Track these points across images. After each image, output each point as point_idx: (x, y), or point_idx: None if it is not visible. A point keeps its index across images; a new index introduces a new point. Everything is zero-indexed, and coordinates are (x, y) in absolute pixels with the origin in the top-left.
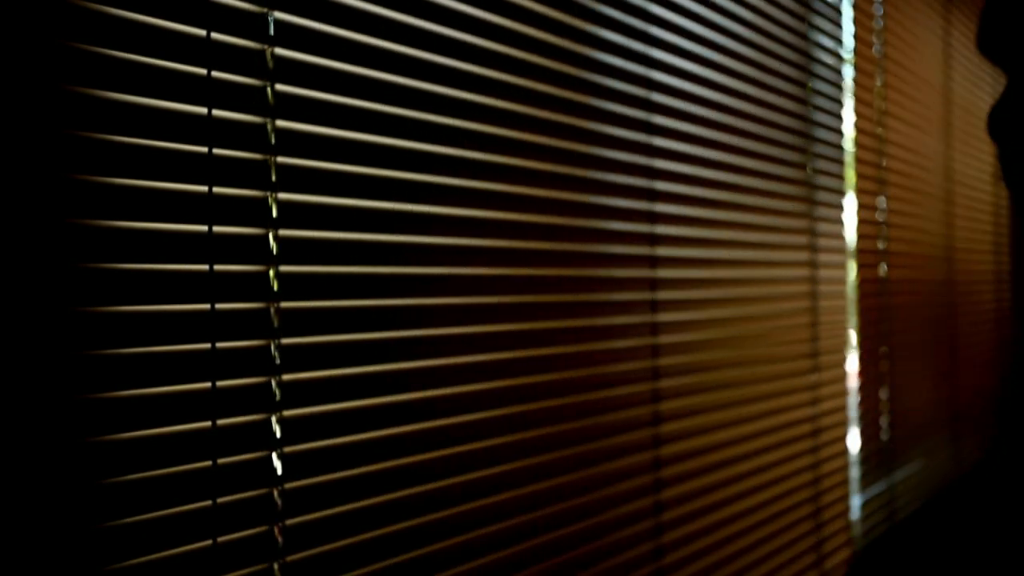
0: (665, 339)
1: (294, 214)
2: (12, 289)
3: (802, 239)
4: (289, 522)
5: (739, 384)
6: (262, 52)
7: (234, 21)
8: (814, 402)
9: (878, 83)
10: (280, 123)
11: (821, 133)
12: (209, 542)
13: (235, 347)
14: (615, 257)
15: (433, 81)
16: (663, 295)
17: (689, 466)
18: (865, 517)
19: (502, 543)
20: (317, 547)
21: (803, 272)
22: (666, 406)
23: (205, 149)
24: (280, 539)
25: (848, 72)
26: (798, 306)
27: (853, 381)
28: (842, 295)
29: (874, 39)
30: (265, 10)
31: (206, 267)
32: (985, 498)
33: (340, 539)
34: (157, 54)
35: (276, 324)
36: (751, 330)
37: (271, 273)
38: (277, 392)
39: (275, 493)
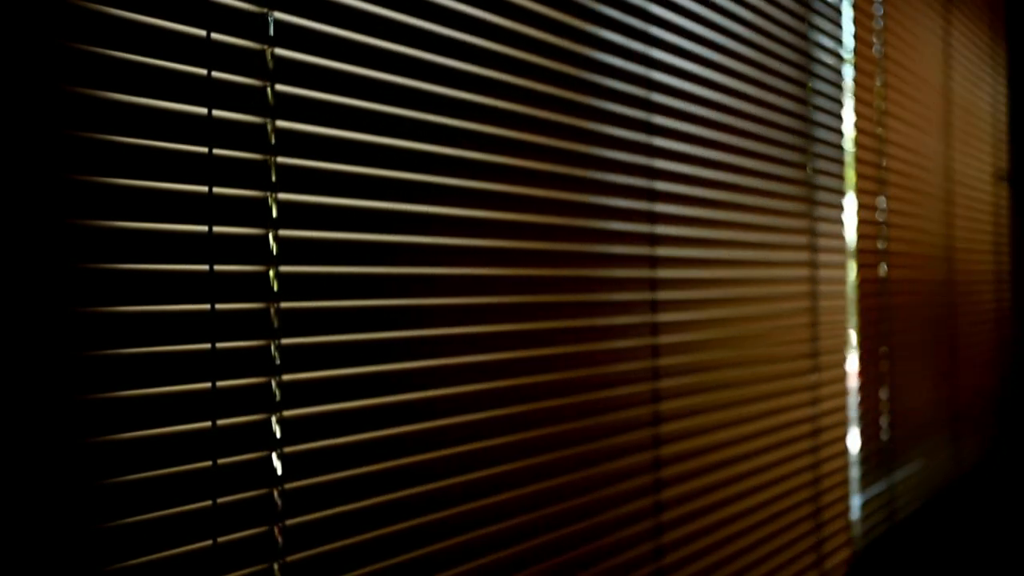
0: (665, 339)
1: (294, 214)
2: (12, 289)
3: (802, 239)
4: (289, 522)
5: (739, 384)
6: (262, 52)
7: (234, 21)
8: (814, 402)
9: (878, 83)
10: (280, 123)
11: (821, 133)
12: (209, 542)
13: (235, 347)
14: (615, 257)
15: (433, 81)
16: (663, 295)
17: (689, 466)
18: (865, 517)
19: (502, 543)
20: (317, 547)
21: (803, 272)
22: (666, 406)
23: (205, 149)
24: (280, 539)
25: (848, 72)
26: (798, 306)
27: (853, 381)
28: (842, 295)
29: (874, 39)
30: (265, 10)
31: (206, 267)
32: (985, 498)
33: (340, 539)
34: (157, 54)
35: (276, 324)
36: (751, 330)
37: (271, 273)
38: (277, 392)
39: (275, 493)
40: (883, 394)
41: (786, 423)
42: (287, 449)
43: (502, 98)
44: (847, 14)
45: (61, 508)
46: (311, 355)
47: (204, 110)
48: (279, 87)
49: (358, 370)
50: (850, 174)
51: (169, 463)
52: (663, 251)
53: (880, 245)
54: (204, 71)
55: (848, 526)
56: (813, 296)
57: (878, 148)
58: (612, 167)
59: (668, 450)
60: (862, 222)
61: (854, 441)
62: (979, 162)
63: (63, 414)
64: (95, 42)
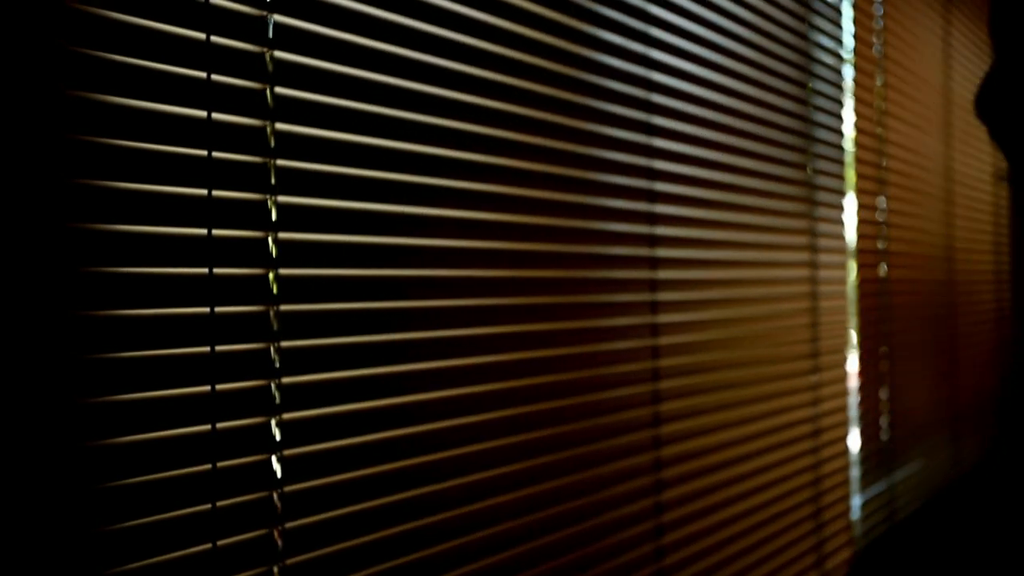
0: (665, 340)
1: (294, 217)
2: (12, 292)
3: (802, 239)
4: (289, 525)
5: (739, 385)
6: (261, 55)
7: (233, 24)
8: (815, 402)
9: (878, 83)
10: (280, 126)
11: (821, 133)
12: (209, 545)
13: (235, 350)
14: (615, 258)
15: (433, 83)
16: (663, 296)
17: (690, 467)
18: (865, 517)
19: (503, 545)
20: (317, 550)
21: (803, 272)
22: (667, 407)
23: (204, 152)
24: (280, 542)
25: (848, 72)
26: (798, 306)
27: (853, 381)
28: (842, 295)
29: (874, 39)
30: (264, 13)
31: (205, 270)
32: (985, 498)
33: (340, 542)
34: (156, 58)
35: (276, 327)
36: (751, 331)
37: (271, 276)
38: (277, 395)
39: (275, 496)
40: (883, 394)
41: (787, 423)
42: (287, 452)
43: (503, 100)
44: (847, 14)
45: (61, 511)
46: (311, 358)
47: (203, 113)
48: (279, 90)
49: (358, 372)
50: (850, 174)
51: (169, 466)
52: (663, 252)
53: (880, 245)
54: (203, 74)
55: (849, 526)
56: (813, 296)
57: (878, 148)
58: (612, 168)
59: (669, 451)
60: (862, 222)
61: (854, 441)
62: (979, 162)
63: (63, 417)
64: (95, 46)
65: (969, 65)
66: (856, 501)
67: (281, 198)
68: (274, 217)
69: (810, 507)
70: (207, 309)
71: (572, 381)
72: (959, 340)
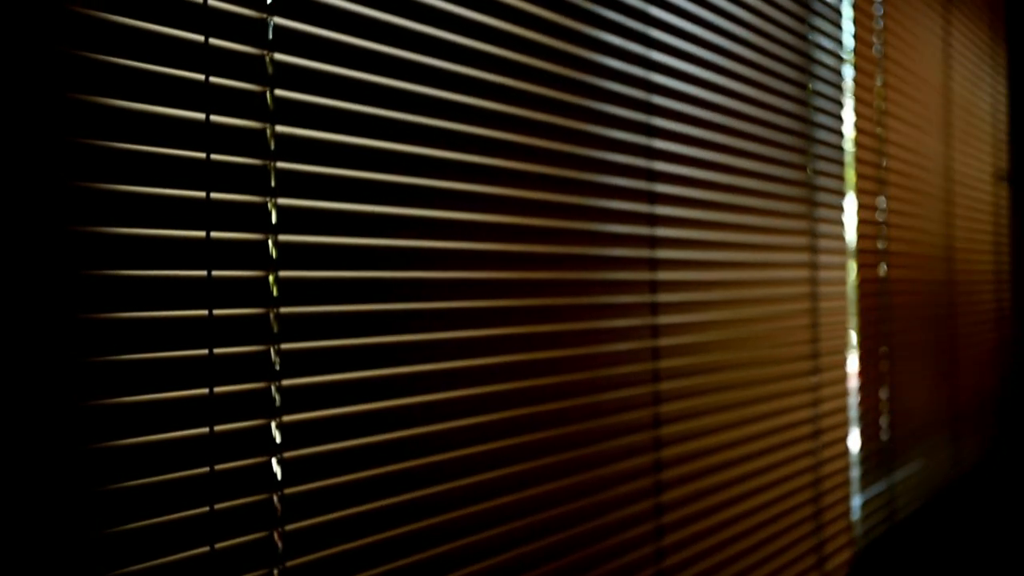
0: (666, 342)
1: (294, 219)
2: (12, 295)
3: (802, 240)
4: (289, 527)
5: (740, 386)
6: (261, 57)
7: (233, 27)
8: (815, 403)
9: (878, 83)
10: (279, 128)
11: (821, 133)
12: (208, 548)
13: (234, 352)
14: (616, 260)
15: (433, 85)
16: (663, 298)
17: (690, 468)
18: (865, 517)
19: (504, 546)
20: (317, 552)
21: (803, 273)
22: (667, 408)
23: (204, 155)
24: (280, 544)
25: (848, 72)
26: (798, 307)
27: (853, 381)
28: (842, 295)
29: (874, 39)
30: (264, 15)
31: (205, 273)
32: (985, 498)
33: (341, 544)
34: (156, 60)
35: (275, 329)
36: (752, 331)
37: (271, 278)
38: (277, 397)
39: (275, 498)
40: (883, 394)
41: (787, 424)
42: (287, 454)
43: (503, 102)
44: (847, 14)
45: (61, 514)
46: (311, 360)
47: (203, 116)
48: (278, 92)
49: (358, 374)
50: (850, 174)
51: (168, 469)
52: (663, 254)
53: (880, 245)
54: (202, 77)
55: (850, 527)
56: (813, 297)
57: (878, 148)
58: (613, 170)
59: (669, 452)
60: (862, 222)
61: (854, 441)
62: (979, 162)
63: (62, 420)
64: (94, 48)
65: (969, 65)
66: (856, 501)
67: (281, 200)
68: (274, 219)
69: (810, 508)
70: (206, 312)
71: (573, 382)
72: (959, 340)
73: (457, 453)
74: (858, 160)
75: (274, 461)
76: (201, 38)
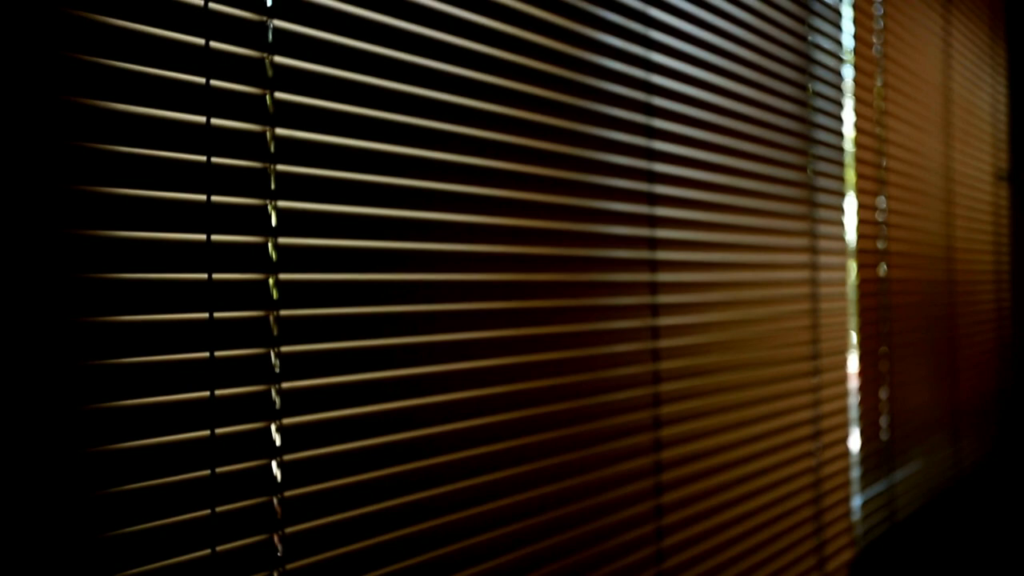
0: (666, 343)
1: (294, 222)
2: (12, 299)
3: (802, 240)
4: (289, 530)
5: (740, 387)
6: (261, 60)
7: (233, 29)
8: (815, 403)
9: (878, 83)
10: (279, 131)
11: (821, 133)
12: (208, 551)
13: (234, 356)
14: (617, 261)
15: (433, 87)
16: (664, 299)
17: (691, 470)
18: (865, 517)
19: (504, 548)
20: (317, 555)
21: (803, 273)
22: (667, 410)
23: (203, 158)
24: (280, 547)
25: (848, 72)
26: (799, 307)
27: (853, 381)
28: (842, 295)
29: (874, 39)
30: (264, 18)
31: (204, 276)
32: (985, 498)
33: (341, 547)
34: (155, 63)
35: (275, 332)
36: (752, 332)
37: (270, 281)
38: (277, 400)
39: (275, 501)
40: (883, 394)
41: (788, 425)
42: (287, 457)
43: (504, 104)
44: (847, 14)
45: (62, 517)
46: (311, 363)
47: (203, 119)
48: (278, 95)
49: (358, 377)
50: (850, 174)
51: (168, 472)
52: (664, 255)
53: (880, 245)
54: (202, 80)
55: (850, 527)
56: (814, 297)
57: (878, 148)
58: (613, 171)
59: (669, 454)
60: (862, 222)
61: (854, 441)
62: (979, 162)
63: (63, 423)
64: (94, 51)
65: (969, 65)
66: (856, 501)
67: (281, 203)
68: (274, 222)
69: (811, 509)
70: (207, 315)
71: (573, 384)
72: (959, 340)
73: (457, 455)
74: (858, 160)
75: (274, 464)
76: (202, 41)
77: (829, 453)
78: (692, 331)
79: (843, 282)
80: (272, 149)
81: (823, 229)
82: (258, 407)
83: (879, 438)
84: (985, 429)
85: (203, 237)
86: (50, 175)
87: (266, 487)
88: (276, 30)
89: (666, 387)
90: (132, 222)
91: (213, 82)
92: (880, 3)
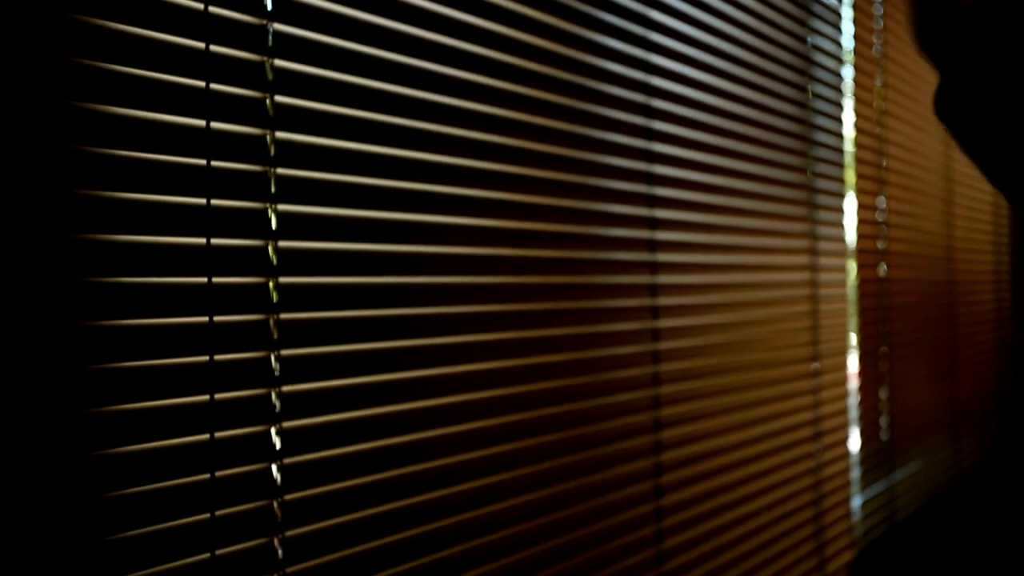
0: (666, 345)
1: (294, 225)
2: (12, 302)
3: (802, 241)
4: (289, 534)
5: (740, 388)
6: (261, 64)
7: (233, 33)
8: (815, 404)
9: (878, 83)
10: (280, 135)
11: (821, 134)
12: (208, 555)
13: (234, 359)
14: (616, 263)
15: (433, 91)
16: (664, 301)
17: (691, 471)
18: (865, 517)
19: (504, 551)
20: (318, 558)
21: (803, 274)
22: (667, 411)
23: (204, 161)
24: (280, 551)
25: (848, 72)
26: (799, 308)
27: (853, 381)
28: (842, 295)
29: (874, 39)
30: (264, 22)
31: (205, 279)
32: (985, 498)
33: (342, 549)
34: (155, 67)
35: (275, 336)
36: (752, 333)
37: (271, 284)
38: (277, 404)
39: (275, 505)
40: (883, 394)
41: (788, 426)
42: (287, 460)
43: (504, 106)
44: (847, 14)
45: (61, 521)
46: (311, 366)
47: (203, 122)
48: (279, 98)
49: (358, 380)
50: (850, 174)
51: (169, 475)
52: (664, 257)
53: (880, 245)
54: (202, 83)
55: (851, 528)
56: (814, 298)
57: (878, 148)
58: (613, 173)
59: (669, 455)
60: (862, 222)
61: (854, 441)
62: None
63: (63, 427)
64: (94, 56)
65: None
66: (856, 501)
67: (281, 207)
68: (274, 226)
69: (811, 510)
70: (206, 318)
71: (574, 386)
72: (959, 340)
73: (458, 458)
74: (858, 160)
75: (274, 467)
76: (202, 45)
77: (829, 453)
78: (692, 333)
79: (843, 282)
80: (272, 152)
81: (823, 230)
82: (258, 410)
83: (879, 438)
84: (985, 429)
85: (203, 241)
86: (51, 179)
87: (266, 490)
88: (276, 33)
89: (666, 389)
90: (132, 226)
91: (213, 86)
92: (880, 3)
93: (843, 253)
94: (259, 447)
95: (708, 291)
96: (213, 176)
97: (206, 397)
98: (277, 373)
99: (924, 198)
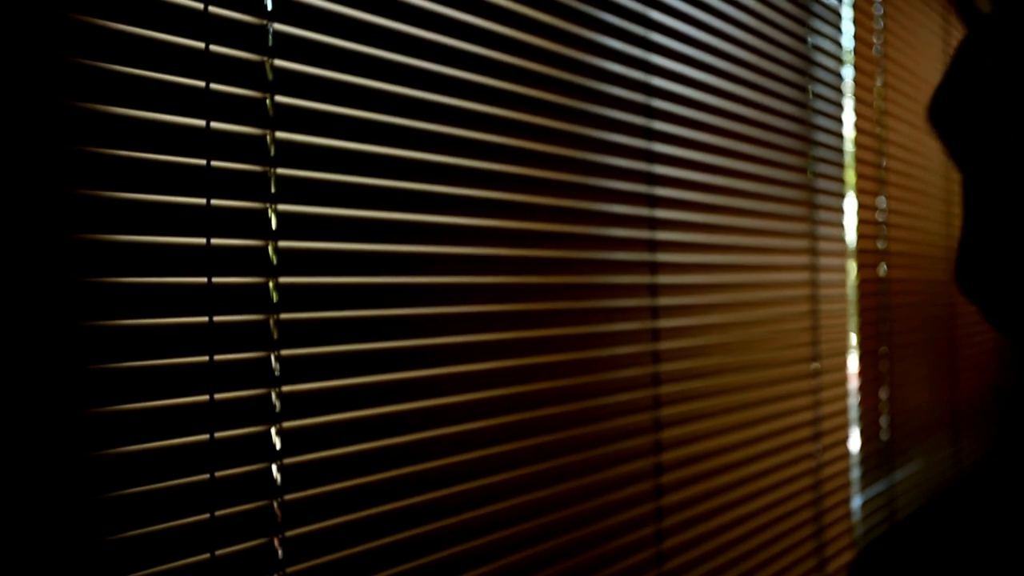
0: (666, 345)
1: (294, 225)
2: (13, 302)
3: (803, 241)
4: (289, 534)
5: (741, 388)
6: (261, 64)
7: (233, 33)
8: (815, 404)
9: (878, 83)
10: (279, 134)
11: (821, 134)
12: (208, 555)
13: (234, 359)
14: (617, 263)
15: (433, 91)
16: (664, 301)
17: (691, 471)
18: (865, 517)
19: (504, 551)
20: (318, 558)
21: (804, 274)
22: (667, 411)
23: (204, 162)
24: (280, 551)
25: (848, 72)
26: (799, 308)
27: (853, 381)
28: (842, 295)
29: (874, 39)
30: (264, 22)
31: (204, 279)
32: (985, 498)
33: (341, 550)
34: (156, 67)
35: (275, 336)
36: (752, 333)
37: (270, 284)
38: (277, 404)
39: (275, 505)
40: (883, 394)
41: (788, 426)
42: (287, 460)
43: (504, 106)
44: (847, 14)
45: (61, 521)
46: (311, 366)
47: (202, 122)
48: (279, 98)
49: (358, 380)
50: (850, 174)
51: (169, 476)
52: (664, 257)
53: (880, 245)
54: (202, 83)
55: (851, 528)
56: (814, 298)
57: (878, 148)
58: (613, 174)
59: (670, 456)
60: (862, 222)
61: (855, 442)
62: None
63: (63, 427)
64: (94, 56)
65: None
66: (856, 501)
67: (281, 206)
68: (274, 225)
69: (811, 510)
70: (206, 318)
71: (574, 386)
72: (959, 340)
73: (458, 458)
74: (858, 160)
75: (274, 467)
76: (202, 45)
77: (829, 454)
78: (692, 333)
79: (843, 282)
80: (272, 152)
81: (823, 230)
82: (258, 410)
83: (879, 438)
84: (985, 429)
85: (203, 241)
86: (51, 179)
87: (266, 491)
88: (276, 33)
89: (666, 389)
90: (132, 226)
91: (213, 86)
92: (880, 3)
93: (843, 253)
94: (259, 447)
95: (708, 291)
96: (213, 176)
97: (206, 397)
98: (277, 373)
99: (924, 198)
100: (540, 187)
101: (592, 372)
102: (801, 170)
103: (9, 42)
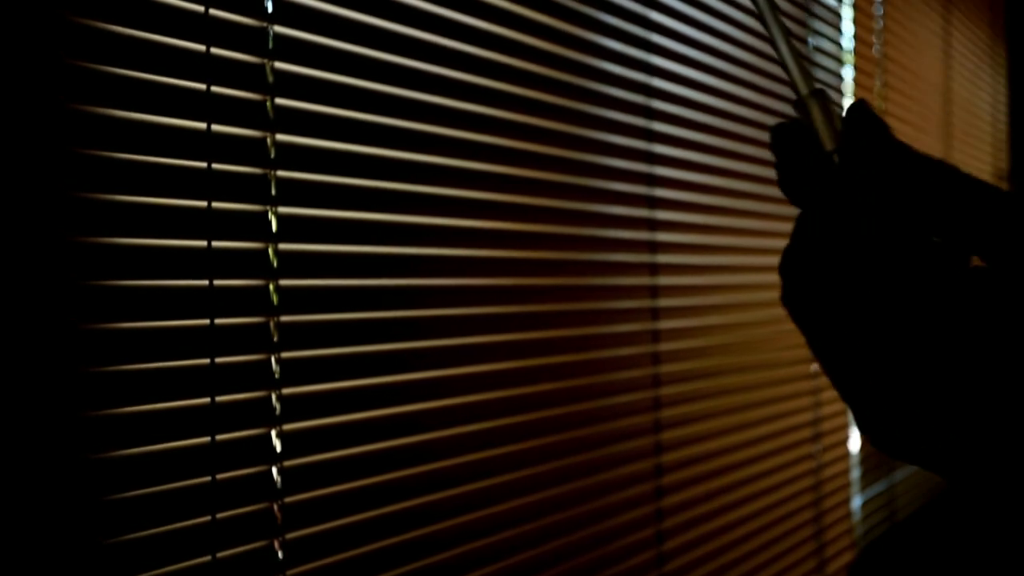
0: (666, 346)
1: (295, 228)
2: (12, 305)
3: None
4: (290, 536)
5: (741, 389)
6: (261, 66)
7: (234, 36)
8: (815, 405)
9: (878, 83)
10: (280, 137)
11: None
12: (208, 558)
13: (234, 362)
14: (616, 265)
15: (434, 92)
16: (664, 302)
17: (691, 472)
18: (865, 517)
19: (504, 553)
20: (319, 560)
21: None
22: (668, 413)
23: (204, 164)
24: (281, 553)
25: (848, 72)
26: None
27: None
28: None
29: (874, 39)
30: (265, 24)
31: (205, 282)
32: (984, 499)
33: (342, 552)
34: (156, 70)
35: (276, 338)
36: (753, 334)
37: (271, 287)
38: (277, 406)
39: (275, 507)
40: None
41: (788, 427)
42: (287, 463)
43: (504, 108)
44: (847, 14)
45: (60, 524)
46: (312, 368)
47: (203, 125)
48: (279, 100)
49: (359, 382)
50: None
51: (169, 479)
52: (664, 258)
53: None
54: (203, 86)
55: (851, 528)
56: None
57: None
58: (613, 174)
59: (670, 457)
60: None
61: (855, 442)
62: (979, 162)
63: (62, 430)
64: (94, 58)
65: (969, 65)
66: (856, 502)
67: (282, 209)
68: (275, 228)
69: (811, 510)
70: (207, 321)
71: (573, 388)
72: None
73: (458, 460)
74: None
75: (275, 470)
76: (202, 47)
77: (829, 454)
78: (693, 334)
79: None
80: (273, 155)
81: None
82: (258, 413)
83: None
84: None
85: (204, 243)
86: (52, 182)
87: (267, 493)
88: (277, 36)
89: (666, 390)
90: (133, 229)
91: (214, 88)
92: (880, 3)
93: None
94: (260, 450)
95: (709, 292)
96: (214, 179)
97: (207, 400)
98: (278, 376)
99: None
100: (540, 189)
101: (592, 374)
102: None
103: (9, 45)
